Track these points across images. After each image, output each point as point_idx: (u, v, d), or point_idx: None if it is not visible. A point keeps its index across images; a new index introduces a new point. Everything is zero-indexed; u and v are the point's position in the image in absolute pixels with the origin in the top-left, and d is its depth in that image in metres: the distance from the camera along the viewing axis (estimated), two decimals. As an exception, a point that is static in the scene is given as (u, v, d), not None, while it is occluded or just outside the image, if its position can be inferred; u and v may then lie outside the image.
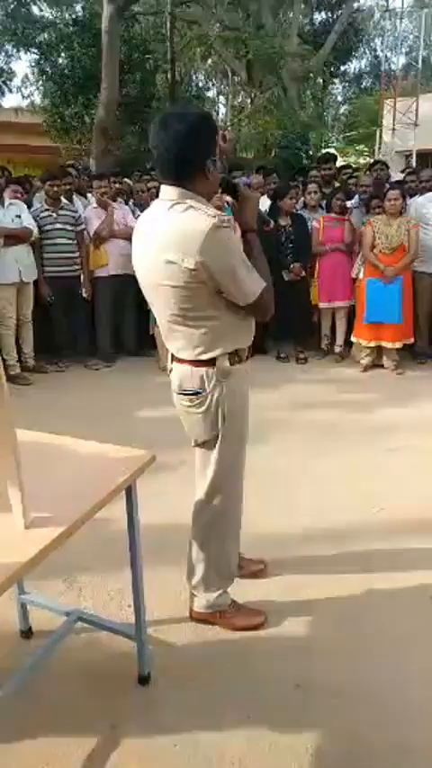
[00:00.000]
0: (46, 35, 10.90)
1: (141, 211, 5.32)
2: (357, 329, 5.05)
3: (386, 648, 1.99)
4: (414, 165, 12.80)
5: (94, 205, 5.21)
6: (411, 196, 5.26)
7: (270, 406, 3.95)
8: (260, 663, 1.94)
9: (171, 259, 1.62)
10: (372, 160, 14.03)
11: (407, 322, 4.89)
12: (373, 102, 16.45)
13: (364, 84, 20.13)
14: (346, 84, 20.26)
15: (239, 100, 17.22)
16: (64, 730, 1.71)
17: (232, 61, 13.20)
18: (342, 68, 16.47)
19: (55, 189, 4.97)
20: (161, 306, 1.76)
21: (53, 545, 1.32)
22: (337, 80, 17.96)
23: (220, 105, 20.08)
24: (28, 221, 4.78)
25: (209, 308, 1.71)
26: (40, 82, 12.08)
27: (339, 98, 21.97)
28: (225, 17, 12.92)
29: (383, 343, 4.92)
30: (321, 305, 5.29)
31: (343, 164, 8.39)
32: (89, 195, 5.52)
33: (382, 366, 5.03)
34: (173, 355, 1.87)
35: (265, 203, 5.42)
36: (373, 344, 4.95)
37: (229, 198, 1.92)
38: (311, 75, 12.62)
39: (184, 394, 1.85)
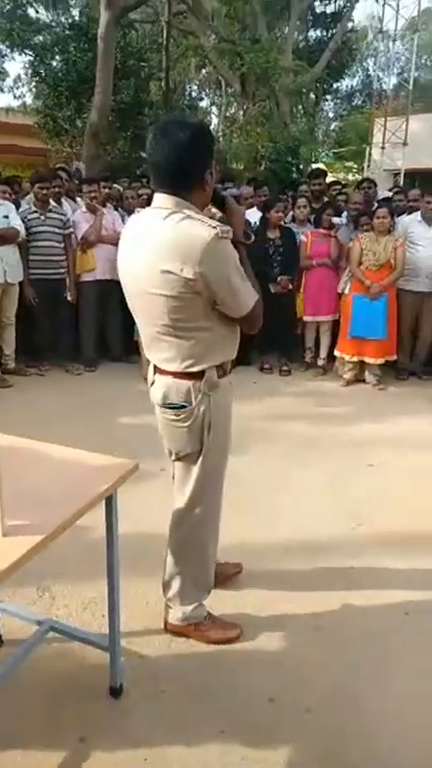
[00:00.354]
0: (41, 37, 10.91)
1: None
2: (341, 343, 5.09)
3: (361, 664, 1.99)
4: (402, 183, 13.03)
5: (84, 209, 5.20)
6: (399, 215, 5.34)
7: (252, 416, 3.96)
8: (234, 676, 1.93)
9: (168, 268, 1.60)
10: (360, 177, 14.27)
11: (390, 338, 4.94)
12: (364, 120, 16.74)
13: (355, 101, 20.47)
14: (338, 100, 20.57)
15: (232, 111, 17.36)
16: (32, 742, 1.67)
17: (226, 72, 13.30)
18: (334, 85, 16.70)
19: (44, 191, 4.94)
20: (149, 315, 1.73)
21: (30, 554, 1.30)
22: (329, 96, 18.22)
23: (213, 116, 20.23)
24: (15, 222, 4.75)
25: (201, 318, 1.69)
26: (33, 83, 12.05)
27: (331, 114, 22.31)
28: (221, 29, 13.05)
29: (366, 359, 4.97)
30: (306, 318, 5.33)
31: (333, 180, 8.50)
32: (78, 199, 5.50)
33: (364, 381, 5.07)
34: (156, 367, 1.83)
35: (255, 215, 5.46)
36: (355, 359, 5.00)
37: (215, 210, 1.92)
38: (304, 90, 12.78)
39: (170, 407, 1.81)
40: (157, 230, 1.63)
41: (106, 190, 5.52)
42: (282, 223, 5.21)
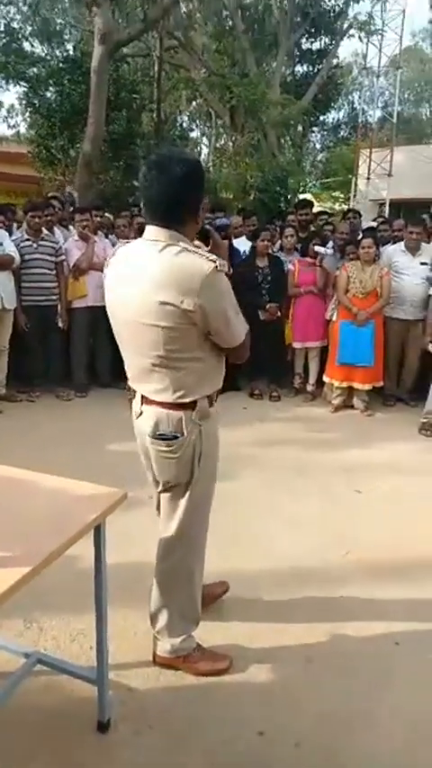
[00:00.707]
0: (36, 70, 11.12)
1: (123, 246, 5.40)
2: (329, 369, 5.15)
3: (352, 696, 1.98)
4: (387, 213, 13.34)
5: (76, 237, 5.27)
6: (384, 244, 5.46)
7: (242, 442, 3.97)
8: (224, 709, 1.91)
9: (167, 300, 1.61)
10: (346, 207, 14.57)
11: (377, 365, 5.01)
12: (350, 152, 17.18)
13: (341, 133, 21.00)
14: (325, 132, 21.10)
15: (222, 142, 17.75)
16: (17, 780, 1.64)
17: (216, 105, 13.64)
18: (321, 118, 17.14)
19: (36, 220, 5.01)
20: (141, 346, 1.73)
21: (18, 586, 1.30)
22: (316, 129, 18.71)
23: (203, 146, 20.66)
24: (10, 248, 4.80)
25: (196, 349, 1.71)
26: (28, 113, 12.28)
27: (318, 146, 22.84)
28: (211, 64, 13.42)
29: (354, 385, 5.02)
30: (295, 344, 5.40)
31: (320, 210, 8.68)
32: (71, 227, 5.58)
33: (352, 407, 5.12)
34: (144, 398, 1.82)
35: (245, 244, 5.56)
36: (344, 385, 5.05)
37: (198, 243, 1.97)
38: (292, 122, 13.13)
39: (162, 438, 1.80)
40: (154, 262, 1.65)
41: (98, 218, 5.60)
42: (270, 252, 5.31)
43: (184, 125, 18.79)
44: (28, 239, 5.00)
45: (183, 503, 1.87)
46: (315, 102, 14.14)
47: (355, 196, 15.97)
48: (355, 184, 15.99)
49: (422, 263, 5.00)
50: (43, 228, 5.10)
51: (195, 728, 1.83)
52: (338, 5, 14.38)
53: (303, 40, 14.92)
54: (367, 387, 5.02)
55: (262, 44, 14.32)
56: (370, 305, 4.88)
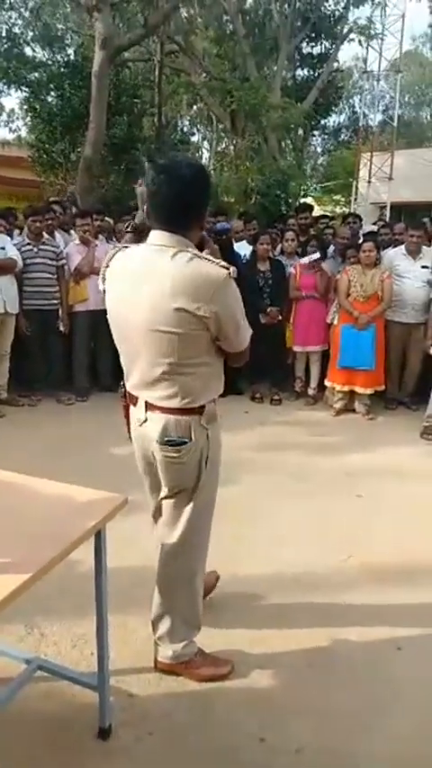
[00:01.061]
0: (37, 74, 11.16)
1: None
2: (331, 373, 5.15)
3: (354, 701, 1.97)
4: (387, 216, 13.36)
5: (77, 241, 5.28)
6: (385, 248, 5.46)
7: (243, 446, 3.97)
8: (225, 715, 1.90)
9: (183, 307, 1.61)
10: (347, 210, 14.60)
11: (379, 369, 5.01)
12: (351, 155, 17.22)
13: (342, 137, 21.03)
14: (326, 136, 21.12)
15: (222, 146, 17.78)
16: (18, 788, 1.63)
17: (217, 109, 13.66)
18: (322, 122, 17.15)
19: (37, 224, 5.03)
20: (153, 353, 1.70)
21: (19, 592, 1.30)
22: (316, 132, 18.72)
23: (204, 150, 20.70)
24: (12, 252, 4.82)
25: (204, 354, 1.73)
26: (28, 118, 12.32)
27: (318, 149, 22.88)
28: (212, 68, 13.45)
29: (356, 389, 5.02)
30: (296, 348, 5.40)
31: (321, 214, 8.69)
32: (72, 232, 5.59)
33: (353, 411, 5.11)
34: (149, 404, 1.80)
35: (246, 248, 5.56)
36: (345, 389, 5.05)
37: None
38: (292, 126, 13.15)
39: (170, 444, 1.78)
40: (166, 270, 1.64)
41: (99, 223, 5.62)
42: (270, 255, 5.32)
43: (185, 129, 18.84)
44: (29, 243, 5.01)
45: (187, 509, 1.87)
46: (316, 105, 14.17)
47: (356, 199, 16.00)
48: (356, 188, 16.02)
49: (423, 267, 5.01)
50: (44, 233, 5.12)
51: (196, 735, 1.82)
52: (339, 10, 14.42)
53: (304, 45, 14.95)
54: (369, 391, 5.01)
55: (262, 48, 14.35)
56: (371, 308, 4.87)
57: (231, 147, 14.65)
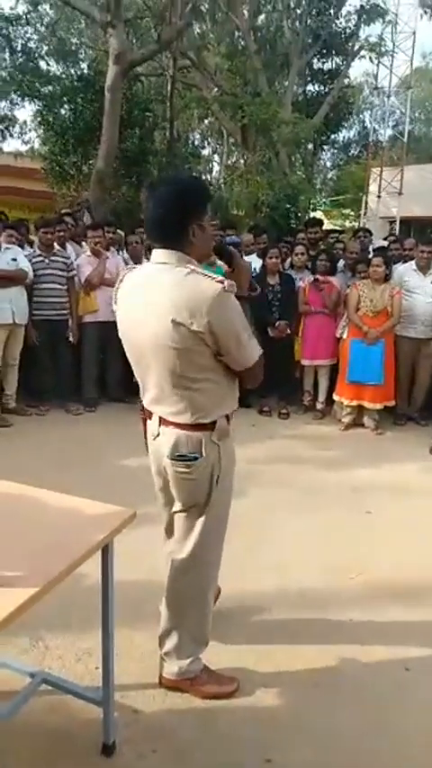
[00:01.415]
0: (50, 87, 11.33)
1: (134, 262, 5.44)
2: (339, 388, 5.13)
3: (360, 723, 1.94)
4: (397, 230, 13.38)
5: (88, 253, 5.32)
6: (395, 263, 5.47)
7: (251, 460, 3.95)
8: (231, 734, 1.87)
9: (179, 320, 1.63)
10: (357, 224, 14.63)
11: (388, 384, 4.99)
12: (360, 170, 17.28)
13: (352, 152, 21.12)
14: (336, 151, 21.23)
15: (233, 160, 17.92)
16: (20, 804, 1.62)
17: (228, 123, 13.78)
18: (332, 137, 17.22)
19: (48, 236, 5.09)
20: (162, 368, 1.72)
21: (26, 606, 1.29)
22: (326, 147, 18.82)
23: (215, 164, 20.88)
24: (24, 264, 4.87)
25: (209, 371, 1.73)
26: (41, 130, 12.48)
27: (328, 164, 22.99)
28: (223, 83, 13.60)
29: (364, 403, 5.00)
30: (304, 362, 5.39)
31: (331, 228, 8.72)
32: (83, 243, 5.65)
33: (362, 425, 5.09)
34: (162, 419, 1.81)
35: (256, 262, 5.58)
36: (354, 403, 5.03)
37: (217, 259, 1.98)
38: (303, 141, 13.23)
39: (181, 460, 1.79)
40: (165, 284, 1.67)
41: (110, 235, 5.67)
42: (280, 269, 5.33)
43: (196, 143, 18.99)
44: (40, 255, 5.06)
45: (198, 524, 1.86)
46: (326, 120, 14.26)
47: (365, 214, 16.03)
48: (366, 202, 16.05)
49: (433, 282, 5.00)
50: (55, 244, 5.17)
51: (201, 753, 1.80)
52: (350, 27, 14.53)
53: (315, 61, 15.06)
54: (378, 406, 4.99)
55: (274, 64, 14.49)
56: (380, 323, 4.87)
57: (242, 162, 14.77)
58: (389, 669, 2.19)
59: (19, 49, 13.00)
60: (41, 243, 5.10)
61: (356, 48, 14.42)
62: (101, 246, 5.27)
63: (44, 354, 5.15)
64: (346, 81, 15.45)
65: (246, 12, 13.32)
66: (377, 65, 15.49)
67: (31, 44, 13.81)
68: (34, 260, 5.01)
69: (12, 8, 12.97)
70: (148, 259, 1.94)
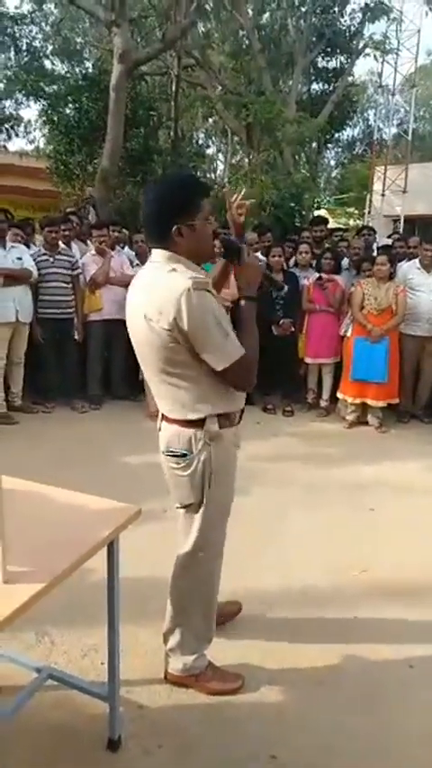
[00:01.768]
0: (55, 87, 11.34)
1: (139, 260, 5.45)
2: (343, 386, 5.13)
3: (364, 721, 1.94)
4: (401, 229, 13.34)
5: (93, 252, 5.34)
6: (399, 261, 5.46)
7: (254, 457, 3.95)
8: (235, 730, 1.88)
9: (149, 317, 1.68)
10: (361, 222, 14.60)
11: (392, 382, 4.98)
12: (365, 168, 17.24)
13: (356, 150, 21.09)
14: (340, 149, 21.19)
15: (237, 158, 17.91)
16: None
17: (232, 122, 13.76)
18: (336, 135, 17.18)
19: (53, 235, 5.10)
20: (149, 362, 1.79)
21: (32, 602, 1.30)
22: (331, 145, 18.77)
23: (219, 162, 20.86)
24: (29, 263, 4.89)
25: (186, 368, 1.72)
26: (46, 129, 12.50)
27: (332, 162, 22.94)
28: (228, 82, 13.59)
29: (368, 401, 5.00)
30: (308, 360, 5.39)
31: (336, 226, 8.70)
32: (89, 242, 5.66)
33: (366, 423, 5.08)
34: (163, 415, 1.86)
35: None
36: (358, 401, 5.03)
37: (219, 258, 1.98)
38: (307, 139, 13.20)
39: (172, 455, 1.83)
40: (150, 282, 1.73)
41: (115, 234, 5.68)
42: (283, 267, 5.33)
43: (201, 142, 19.00)
44: (45, 253, 5.08)
45: (197, 521, 1.87)
46: (330, 119, 14.21)
47: (369, 212, 15.99)
48: (370, 201, 16.00)
49: (437, 280, 4.99)
50: (60, 243, 5.19)
51: (206, 749, 1.81)
52: (354, 25, 14.48)
53: (319, 59, 15.02)
54: (381, 404, 4.99)
55: (278, 63, 14.46)
56: (385, 322, 4.86)
57: (246, 160, 14.75)
58: (393, 667, 2.19)
59: (24, 48, 13.02)
60: (46, 242, 5.12)
61: (361, 46, 14.37)
62: (106, 245, 5.28)
63: (50, 353, 5.18)
64: (350, 79, 15.41)
65: (250, 10, 13.31)
66: (382, 63, 15.44)
67: (36, 43, 13.85)
68: (39, 259, 5.03)
69: (17, 7, 13.07)
70: None
